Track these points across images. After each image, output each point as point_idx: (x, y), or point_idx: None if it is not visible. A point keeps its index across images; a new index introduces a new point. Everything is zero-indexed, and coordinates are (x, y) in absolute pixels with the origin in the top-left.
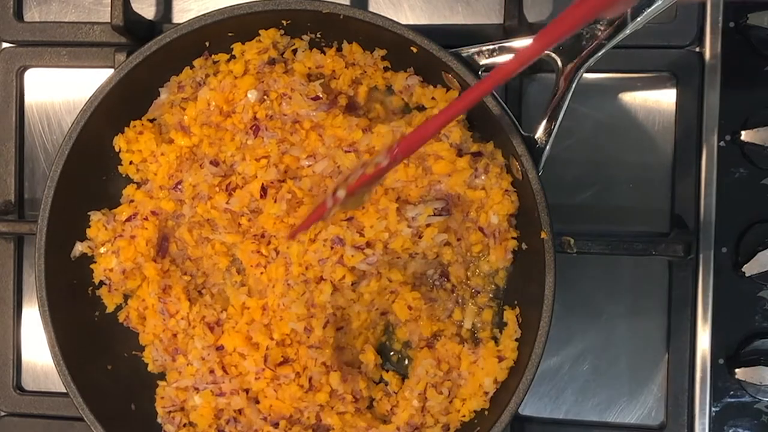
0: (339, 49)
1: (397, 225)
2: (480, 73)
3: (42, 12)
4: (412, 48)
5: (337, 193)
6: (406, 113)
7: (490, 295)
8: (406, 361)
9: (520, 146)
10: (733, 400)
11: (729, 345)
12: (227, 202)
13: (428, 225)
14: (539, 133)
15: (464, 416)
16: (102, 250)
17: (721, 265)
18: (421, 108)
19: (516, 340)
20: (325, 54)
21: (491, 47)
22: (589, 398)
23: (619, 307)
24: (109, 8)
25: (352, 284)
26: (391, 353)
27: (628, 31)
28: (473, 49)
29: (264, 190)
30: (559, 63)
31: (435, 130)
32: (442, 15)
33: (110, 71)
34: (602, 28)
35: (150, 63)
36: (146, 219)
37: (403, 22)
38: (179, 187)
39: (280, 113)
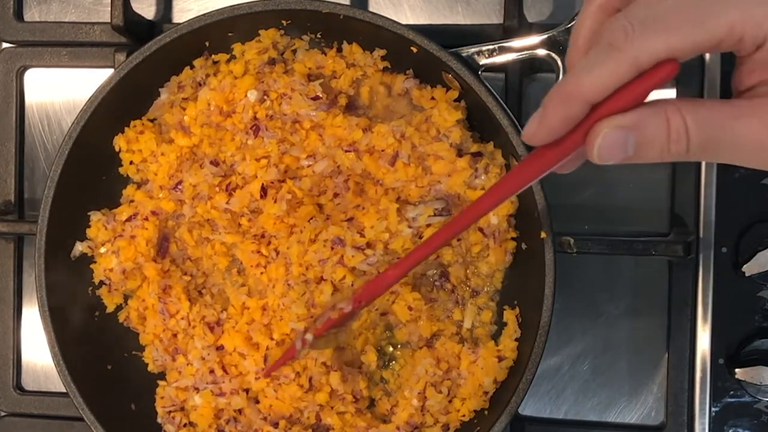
0: (339, 50)
1: (398, 225)
2: (480, 73)
3: (42, 12)
4: (412, 48)
5: (305, 335)
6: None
7: (490, 295)
8: (394, 362)
9: (520, 146)
10: (733, 400)
11: (729, 345)
12: (227, 202)
13: (428, 225)
14: None
15: (464, 416)
16: (102, 250)
17: (721, 265)
18: (420, 108)
19: (516, 340)
20: (325, 54)
21: (491, 47)
22: (589, 398)
23: (619, 307)
24: (109, 8)
25: (352, 285)
26: (385, 355)
27: None
28: (473, 49)
29: (264, 190)
30: (559, 63)
31: (393, 280)
32: (442, 15)
33: (110, 71)
34: None
35: (150, 63)
36: (146, 219)
37: (403, 22)
38: (179, 187)
39: (280, 113)
